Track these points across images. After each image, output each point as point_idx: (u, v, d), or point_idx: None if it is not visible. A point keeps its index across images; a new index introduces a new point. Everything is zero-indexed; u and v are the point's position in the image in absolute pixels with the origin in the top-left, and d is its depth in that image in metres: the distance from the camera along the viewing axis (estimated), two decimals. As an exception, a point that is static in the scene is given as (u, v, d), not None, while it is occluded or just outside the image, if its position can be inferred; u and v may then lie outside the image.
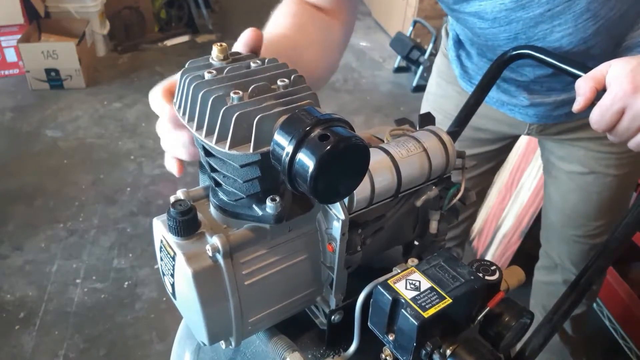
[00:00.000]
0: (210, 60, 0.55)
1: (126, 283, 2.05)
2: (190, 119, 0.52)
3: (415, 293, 0.55)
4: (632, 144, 0.75)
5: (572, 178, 1.19)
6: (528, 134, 1.16)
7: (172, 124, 0.59)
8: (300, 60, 0.73)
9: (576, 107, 0.77)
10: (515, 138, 1.26)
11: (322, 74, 0.84)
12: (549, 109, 1.07)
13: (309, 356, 0.69)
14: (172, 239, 0.56)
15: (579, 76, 0.79)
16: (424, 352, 0.54)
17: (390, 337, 0.56)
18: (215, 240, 0.55)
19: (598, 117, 0.75)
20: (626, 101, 0.71)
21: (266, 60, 0.56)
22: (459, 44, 1.13)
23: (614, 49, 0.93)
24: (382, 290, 0.55)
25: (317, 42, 0.81)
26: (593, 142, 1.12)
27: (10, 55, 3.35)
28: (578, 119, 1.09)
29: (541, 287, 1.53)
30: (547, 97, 1.04)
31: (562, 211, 1.28)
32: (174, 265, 0.56)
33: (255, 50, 0.63)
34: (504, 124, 1.17)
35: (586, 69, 0.78)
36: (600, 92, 0.74)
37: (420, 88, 3.42)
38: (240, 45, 0.62)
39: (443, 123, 1.24)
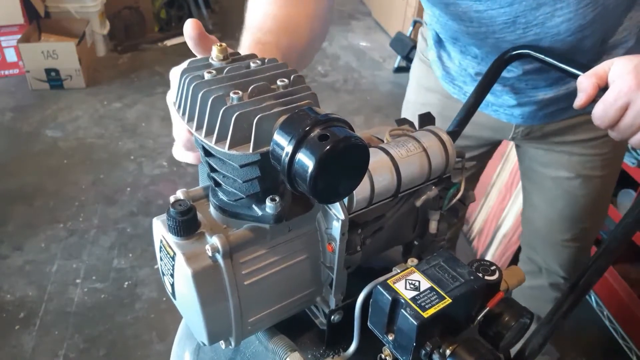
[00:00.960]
0: (210, 60, 0.56)
1: (126, 283, 2.05)
2: (190, 119, 0.52)
3: (414, 293, 0.55)
4: (633, 141, 0.75)
5: (558, 184, 1.19)
6: (513, 138, 1.15)
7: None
8: (299, 38, 0.73)
9: (577, 103, 0.77)
10: (496, 145, 1.24)
11: (318, 45, 0.82)
12: (536, 108, 1.06)
13: (309, 356, 0.69)
14: (172, 239, 0.56)
15: (578, 75, 0.79)
16: (423, 352, 0.54)
17: (390, 337, 0.56)
18: (214, 240, 0.55)
19: (601, 112, 0.75)
20: (630, 96, 0.71)
21: (266, 60, 0.56)
22: (439, 44, 1.11)
23: (601, 45, 0.94)
24: (381, 290, 0.55)
25: (309, 14, 0.78)
26: (577, 145, 1.11)
27: (10, 55, 3.35)
28: (565, 119, 1.08)
29: (525, 292, 1.50)
30: (534, 95, 1.04)
31: (547, 217, 1.27)
32: (173, 265, 0.56)
33: (201, 38, 0.60)
34: (487, 129, 1.16)
35: (586, 69, 0.78)
36: (601, 89, 0.75)
37: (420, 88, 3.42)
38: (187, 39, 0.60)
39: None
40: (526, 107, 1.06)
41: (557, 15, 0.85)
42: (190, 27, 0.59)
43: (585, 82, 0.76)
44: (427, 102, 1.20)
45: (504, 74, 1.01)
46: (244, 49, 0.69)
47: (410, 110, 1.25)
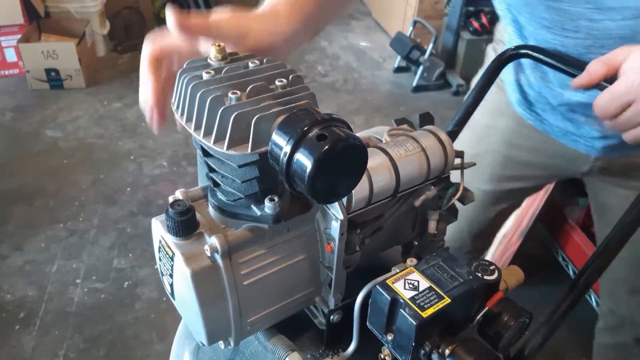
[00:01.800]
0: (209, 61, 0.56)
1: (126, 283, 2.05)
2: (189, 119, 0.52)
3: (413, 293, 0.55)
4: (627, 136, 0.73)
5: None
6: (589, 172, 1.03)
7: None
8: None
9: (576, 81, 0.74)
10: (552, 181, 1.13)
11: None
12: (622, 140, 0.86)
13: (308, 356, 0.69)
14: (171, 239, 0.56)
15: (576, 75, 0.78)
16: (422, 352, 0.54)
17: (389, 337, 0.56)
18: (213, 240, 0.55)
19: (605, 102, 0.71)
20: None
21: (264, 60, 0.56)
22: (518, 66, 1.01)
23: None
24: (380, 290, 0.55)
25: None
26: None
27: (10, 55, 3.35)
28: None
29: (608, 352, 1.37)
30: None
31: (628, 261, 1.08)
32: (172, 265, 0.56)
33: (184, 27, 0.58)
34: (562, 159, 1.04)
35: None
36: (607, 79, 0.72)
37: (420, 88, 3.42)
38: (174, 31, 0.58)
39: (485, 156, 1.08)
40: (611, 140, 0.95)
41: None
42: (176, 21, 0.57)
43: (595, 68, 0.72)
44: (494, 124, 1.09)
45: (588, 100, 0.86)
46: None
47: (470, 129, 1.00)
